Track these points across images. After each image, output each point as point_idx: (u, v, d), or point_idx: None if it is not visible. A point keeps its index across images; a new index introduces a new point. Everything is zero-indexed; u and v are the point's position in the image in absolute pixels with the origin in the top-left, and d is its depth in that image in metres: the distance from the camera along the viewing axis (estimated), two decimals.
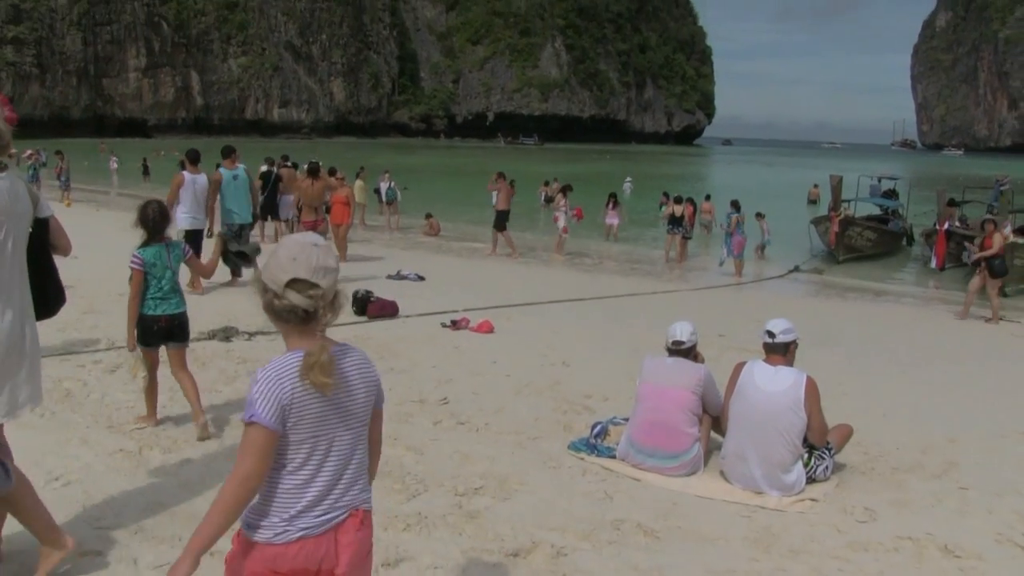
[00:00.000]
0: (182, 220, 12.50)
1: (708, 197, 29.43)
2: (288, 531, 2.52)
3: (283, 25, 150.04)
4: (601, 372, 8.66)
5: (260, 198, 17.14)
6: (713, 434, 6.12)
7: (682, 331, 6.13)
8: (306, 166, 14.50)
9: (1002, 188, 22.34)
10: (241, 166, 13.84)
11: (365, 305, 10.97)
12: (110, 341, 8.76)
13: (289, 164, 21.08)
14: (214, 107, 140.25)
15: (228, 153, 13.76)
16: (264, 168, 20.37)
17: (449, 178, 54.69)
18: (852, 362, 10.17)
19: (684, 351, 6.11)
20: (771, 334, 5.63)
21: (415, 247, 21.35)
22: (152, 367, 6.19)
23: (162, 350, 6.24)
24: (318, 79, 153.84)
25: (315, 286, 2.52)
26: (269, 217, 19.40)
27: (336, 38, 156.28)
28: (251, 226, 13.74)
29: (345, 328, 10.15)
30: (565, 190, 22.01)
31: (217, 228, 13.23)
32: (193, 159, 13.16)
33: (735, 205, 20.07)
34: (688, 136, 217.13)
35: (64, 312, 9.37)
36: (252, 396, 2.48)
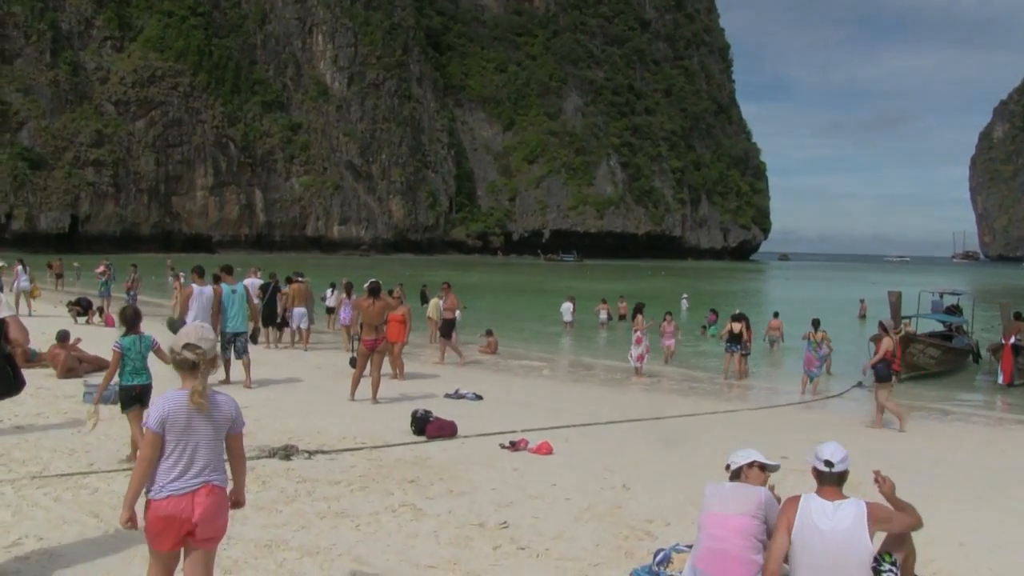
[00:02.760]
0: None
1: (776, 314, 29.27)
2: (161, 492, 4.34)
3: (344, 145, 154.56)
4: (662, 496, 8.51)
5: (260, 306, 20.43)
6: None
7: (744, 457, 6.01)
8: (366, 286, 14.78)
9: None
10: (241, 283, 15.91)
11: (424, 425, 10.96)
12: None
13: (300, 280, 23.45)
14: (276, 224, 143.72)
15: (229, 271, 15.79)
16: (264, 280, 23.34)
17: (506, 296, 55.08)
18: (923, 486, 9.83)
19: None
20: (829, 463, 5.37)
21: (472, 365, 21.36)
22: (135, 423, 8.33)
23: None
24: (377, 197, 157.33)
25: (199, 347, 4.47)
26: (266, 325, 22.00)
27: (395, 157, 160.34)
28: (246, 334, 15.59)
29: (404, 448, 10.16)
30: (639, 310, 21.71)
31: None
32: (200, 273, 14.92)
33: (814, 323, 19.90)
34: (744, 251, 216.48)
35: (127, 428, 9.44)
36: (148, 411, 4.55)
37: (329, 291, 27.00)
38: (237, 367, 15.02)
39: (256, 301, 19.51)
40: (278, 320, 22.52)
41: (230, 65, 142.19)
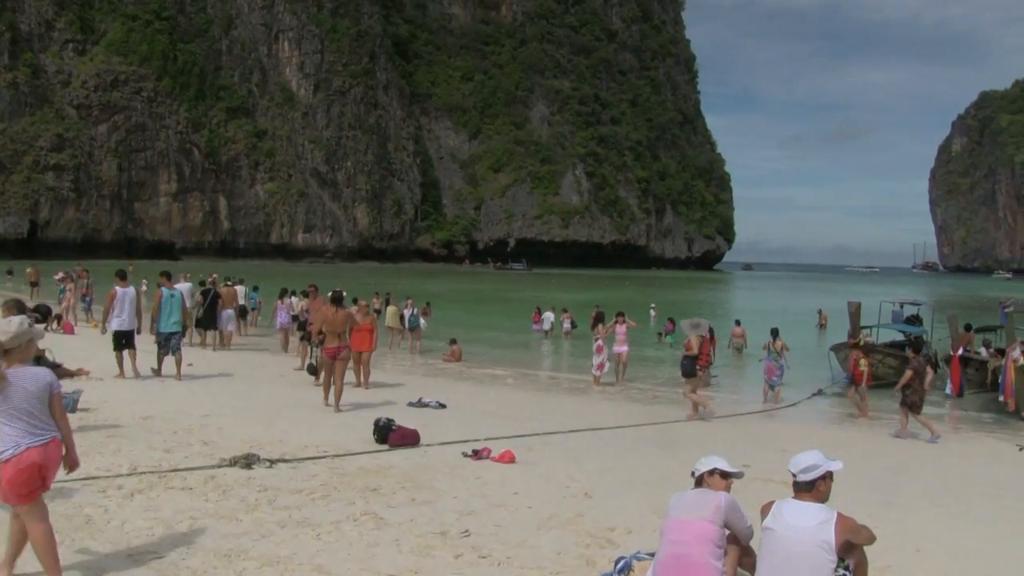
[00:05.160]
0: (114, 323, 15.48)
1: (738, 322, 29.65)
2: (19, 448, 5.28)
3: (310, 152, 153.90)
4: (624, 504, 8.54)
5: (200, 311, 22.38)
6: (740, 569, 5.95)
7: (706, 464, 6.03)
8: (330, 294, 14.81)
9: (1006, 311, 22.38)
10: (178, 287, 17.23)
11: (387, 434, 10.92)
12: (132, 466, 8.76)
13: (229, 283, 25.58)
14: (240, 231, 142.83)
15: (168, 276, 16.99)
16: (204, 287, 24.13)
17: (470, 304, 55.01)
18: (880, 493, 9.99)
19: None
20: (793, 474, 5.46)
21: (436, 374, 21.36)
22: None
23: None
24: (342, 205, 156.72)
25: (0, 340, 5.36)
26: (206, 328, 23.13)
27: (361, 165, 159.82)
28: (181, 335, 16.71)
29: (367, 456, 10.12)
30: (599, 319, 22.00)
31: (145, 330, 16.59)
32: (122, 276, 16.22)
33: (773, 333, 20.13)
34: (708, 261, 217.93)
35: (88, 436, 9.38)
36: None
37: (293, 299, 26.93)
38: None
39: (188, 305, 20.48)
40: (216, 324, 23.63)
41: (195, 70, 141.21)
